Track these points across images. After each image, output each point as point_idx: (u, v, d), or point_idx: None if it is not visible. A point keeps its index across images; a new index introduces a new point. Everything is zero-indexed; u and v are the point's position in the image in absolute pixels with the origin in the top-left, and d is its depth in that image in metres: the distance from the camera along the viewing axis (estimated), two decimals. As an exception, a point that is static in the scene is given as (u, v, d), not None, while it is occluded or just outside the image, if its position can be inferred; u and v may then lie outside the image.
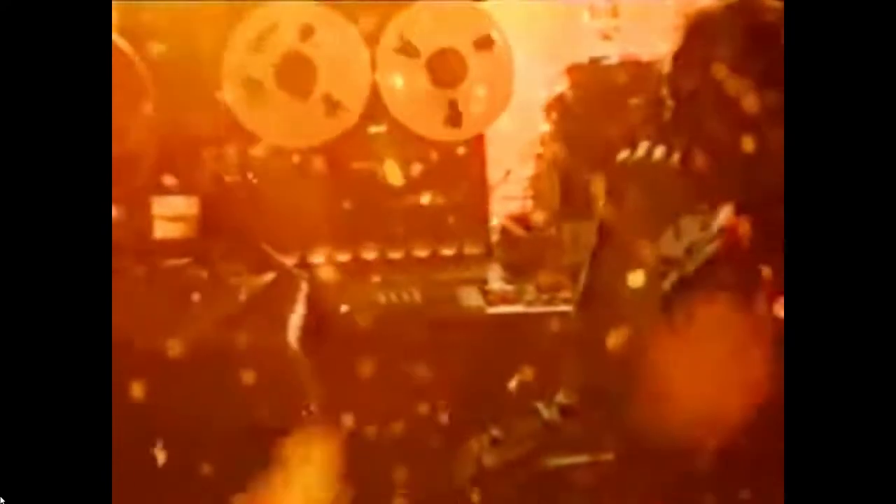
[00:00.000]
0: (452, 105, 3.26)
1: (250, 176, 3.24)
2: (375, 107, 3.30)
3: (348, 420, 2.53)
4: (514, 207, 3.58)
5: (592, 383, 2.42)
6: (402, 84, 3.31)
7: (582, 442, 2.25)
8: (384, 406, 2.56)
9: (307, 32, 3.25)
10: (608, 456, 2.19)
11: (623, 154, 2.54)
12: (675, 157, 2.49)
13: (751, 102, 2.54)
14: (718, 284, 2.45)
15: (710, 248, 2.57)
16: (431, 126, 3.32)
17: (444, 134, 3.31)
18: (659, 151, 2.50)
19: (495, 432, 2.42)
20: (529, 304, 3.03)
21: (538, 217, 3.41)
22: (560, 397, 2.39)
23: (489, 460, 2.34)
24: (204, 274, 2.62)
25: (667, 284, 2.57)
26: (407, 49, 3.31)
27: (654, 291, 2.54)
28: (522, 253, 3.28)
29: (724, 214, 2.63)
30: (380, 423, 2.51)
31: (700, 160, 2.58)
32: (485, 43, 3.33)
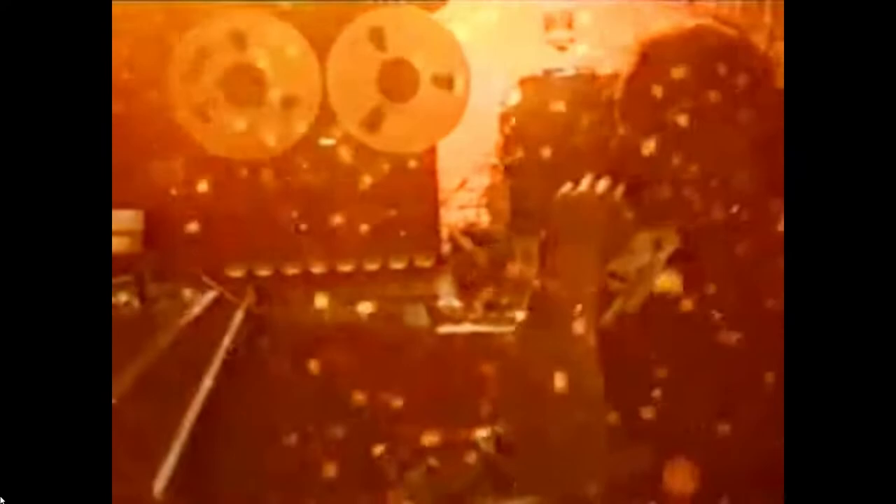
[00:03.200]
0: (375, 112, 3.22)
1: (197, 189, 3.19)
2: (326, 118, 3.26)
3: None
4: (469, 216, 3.55)
5: (529, 415, 2.41)
6: (351, 95, 3.26)
7: (516, 480, 2.24)
8: (321, 434, 2.54)
9: (252, 42, 3.20)
10: (540, 499, 2.18)
11: (565, 188, 2.52)
12: (619, 189, 2.48)
13: (705, 130, 2.52)
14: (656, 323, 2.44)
15: (653, 282, 2.55)
16: (380, 138, 3.28)
17: (393, 146, 3.28)
18: (602, 185, 2.49)
19: (432, 462, 2.40)
20: (476, 322, 3.01)
21: (491, 229, 3.39)
22: (499, 428, 2.37)
23: (425, 496, 2.32)
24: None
25: (608, 316, 2.56)
26: (375, 37, 3.26)
27: (596, 320, 2.53)
28: (472, 268, 3.25)
29: (672, 243, 2.62)
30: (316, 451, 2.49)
31: (645, 191, 2.56)
32: (444, 82, 3.28)
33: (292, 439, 2.64)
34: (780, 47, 2.39)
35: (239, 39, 3.18)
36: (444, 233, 3.44)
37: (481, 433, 2.39)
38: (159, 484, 2.21)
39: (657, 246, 2.63)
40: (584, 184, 2.36)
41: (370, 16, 3.23)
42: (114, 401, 2.13)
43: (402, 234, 3.29)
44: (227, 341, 2.61)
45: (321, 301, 3.07)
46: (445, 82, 3.25)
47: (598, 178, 2.43)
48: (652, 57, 2.60)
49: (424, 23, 3.27)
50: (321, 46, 3.24)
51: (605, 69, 3.20)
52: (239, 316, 2.71)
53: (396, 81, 3.26)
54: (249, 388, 2.67)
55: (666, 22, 2.81)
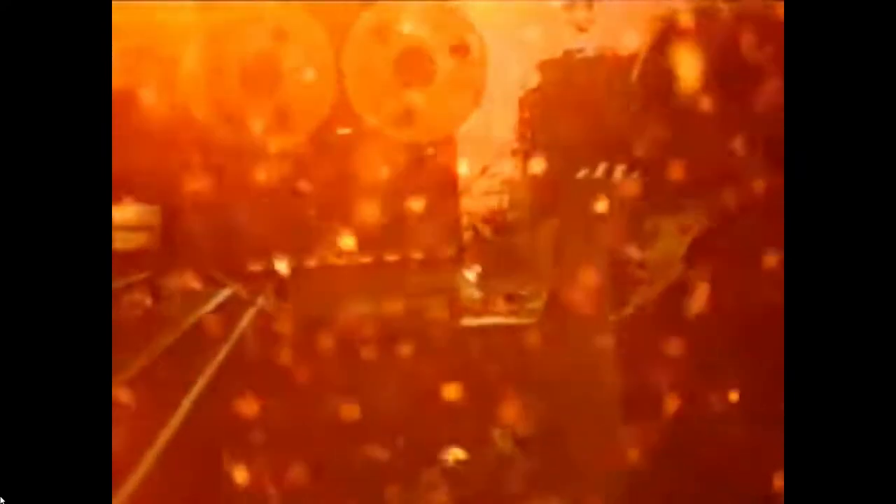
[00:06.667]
0: (409, 107, 3.17)
1: (214, 182, 3.16)
2: (342, 108, 3.22)
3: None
4: (491, 203, 3.50)
5: (549, 410, 2.36)
6: (368, 84, 3.21)
7: (536, 479, 2.19)
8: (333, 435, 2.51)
9: (278, 34, 3.15)
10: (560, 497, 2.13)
11: (582, 173, 2.47)
12: (636, 175, 2.42)
13: (718, 109, 2.46)
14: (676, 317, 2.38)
15: (676, 271, 2.49)
16: (398, 127, 3.23)
17: (411, 134, 3.22)
18: (618, 171, 2.43)
19: (450, 462, 2.36)
20: (497, 314, 2.95)
21: (511, 217, 3.33)
22: (518, 427, 2.33)
23: (440, 497, 2.28)
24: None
25: (629, 309, 2.51)
26: (381, 34, 3.21)
27: (614, 312, 2.48)
28: (493, 257, 3.20)
29: (695, 229, 2.56)
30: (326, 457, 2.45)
31: (663, 171, 2.50)
32: (460, 49, 3.22)
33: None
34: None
35: (256, 32, 3.14)
36: (465, 221, 3.39)
37: (498, 430, 2.35)
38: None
39: (682, 231, 2.56)
40: (600, 170, 2.30)
41: (374, 11, 3.17)
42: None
43: (422, 223, 3.24)
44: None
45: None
46: (461, 50, 3.18)
47: (614, 164, 2.37)
48: (666, 37, 2.52)
49: (416, 6, 3.20)
50: (337, 36, 3.19)
51: (627, 49, 3.12)
52: (252, 311, 2.68)
53: (414, 71, 3.21)
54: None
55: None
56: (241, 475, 2.53)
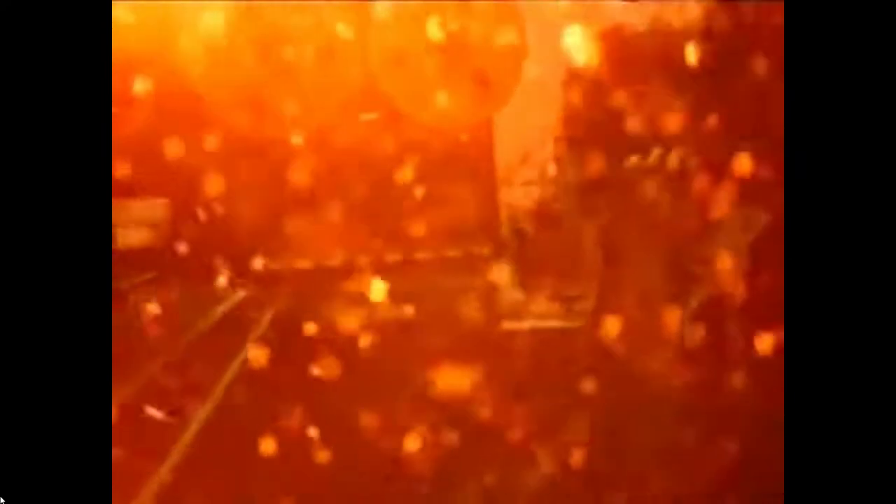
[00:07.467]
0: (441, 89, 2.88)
1: (228, 173, 2.89)
2: (368, 92, 2.94)
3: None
4: (533, 194, 3.22)
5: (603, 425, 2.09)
6: (401, 66, 2.93)
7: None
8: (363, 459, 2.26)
9: (295, 11, 2.89)
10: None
11: (632, 161, 2.21)
12: (694, 162, 2.17)
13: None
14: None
15: (741, 266, 2.24)
16: (432, 112, 2.94)
17: (447, 120, 2.93)
18: (674, 158, 2.18)
19: (488, 480, 2.08)
20: (541, 317, 2.65)
21: (555, 210, 3.04)
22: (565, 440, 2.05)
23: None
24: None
25: (693, 302, 2.25)
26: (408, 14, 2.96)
27: (678, 305, 2.23)
28: (535, 254, 2.90)
29: (759, 222, 2.32)
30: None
31: (727, 157, 2.27)
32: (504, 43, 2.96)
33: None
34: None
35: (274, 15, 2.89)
36: (504, 214, 3.12)
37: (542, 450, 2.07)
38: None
39: (745, 225, 2.28)
40: (654, 156, 2.05)
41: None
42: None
43: (457, 217, 2.96)
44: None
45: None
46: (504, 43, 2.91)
47: (669, 149, 2.11)
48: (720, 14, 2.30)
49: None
50: (361, 19, 2.92)
51: (681, 22, 2.83)
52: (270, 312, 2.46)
53: (455, 53, 2.93)
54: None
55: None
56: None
